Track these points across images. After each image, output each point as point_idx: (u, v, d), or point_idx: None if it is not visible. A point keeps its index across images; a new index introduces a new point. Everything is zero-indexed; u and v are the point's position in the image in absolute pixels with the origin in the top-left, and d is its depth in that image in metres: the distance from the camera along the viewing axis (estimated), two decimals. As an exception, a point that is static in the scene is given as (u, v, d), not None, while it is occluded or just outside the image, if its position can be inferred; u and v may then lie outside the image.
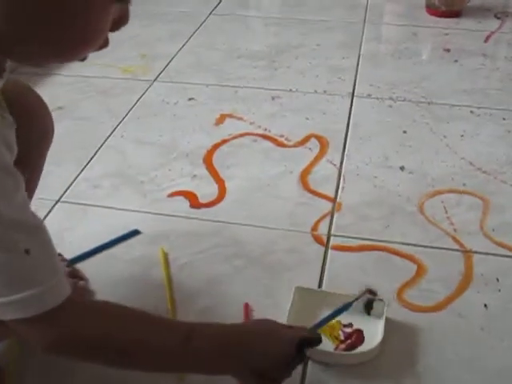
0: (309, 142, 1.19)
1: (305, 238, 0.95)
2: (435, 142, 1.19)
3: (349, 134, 1.22)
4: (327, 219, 0.99)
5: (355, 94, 1.36)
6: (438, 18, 1.75)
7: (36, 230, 0.51)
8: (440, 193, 1.04)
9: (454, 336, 0.79)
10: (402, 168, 1.11)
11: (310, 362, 0.75)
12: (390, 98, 1.34)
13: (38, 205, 0.97)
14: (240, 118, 1.27)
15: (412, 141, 1.19)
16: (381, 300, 0.80)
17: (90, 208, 1.03)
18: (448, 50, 1.57)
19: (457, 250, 0.92)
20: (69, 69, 1.43)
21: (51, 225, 0.95)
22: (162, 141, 1.21)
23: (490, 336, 0.79)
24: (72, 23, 0.46)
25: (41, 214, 0.98)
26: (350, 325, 0.79)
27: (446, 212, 1.00)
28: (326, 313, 0.78)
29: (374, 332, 0.78)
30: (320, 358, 0.75)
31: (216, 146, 1.18)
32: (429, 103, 1.32)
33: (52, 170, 1.05)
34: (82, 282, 0.85)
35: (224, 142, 1.20)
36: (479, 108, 1.30)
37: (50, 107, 0.78)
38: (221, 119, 1.27)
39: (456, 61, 1.51)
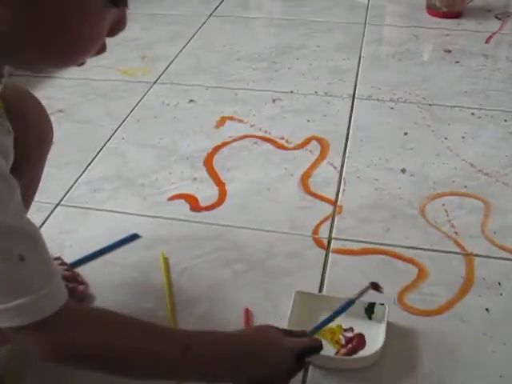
0: (309, 145, 1.19)
1: (305, 242, 0.94)
2: (436, 144, 1.18)
3: (350, 136, 1.21)
4: (328, 222, 0.98)
5: (356, 95, 1.36)
6: (439, 19, 1.75)
7: (31, 237, 0.51)
8: (441, 195, 1.04)
9: (456, 340, 0.78)
10: (403, 170, 1.11)
11: (310, 367, 0.74)
12: (391, 100, 1.34)
13: (38, 208, 0.98)
14: (240, 121, 1.27)
15: (413, 143, 1.19)
16: (382, 304, 0.79)
17: (90, 211, 1.02)
18: (449, 51, 1.56)
19: (458, 254, 0.92)
20: (69, 71, 1.43)
21: (51, 228, 0.98)
22: (162, 143, 1.20)
23: (492, 340, 0.78)
24: (69, 29, 0.46)
25: (41, 218, 0.99)
26: (351, 329, 0.79)
27: (448, 215, 1.00)
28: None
29: (375, 336, 0.77)
30: (321, 362, 0.74)
31: (216, 149, 1.18)
32: (430, 105, 1.32)
33: (52, 173, 1.05)
34: (81, 287, 0.85)
35: (224, 144, 1.19)
36: (480, 109, 1.30)
37: (50, 110, 0.78)
38: (221, 122, 1.27)
39: (457, 62, 1.51)
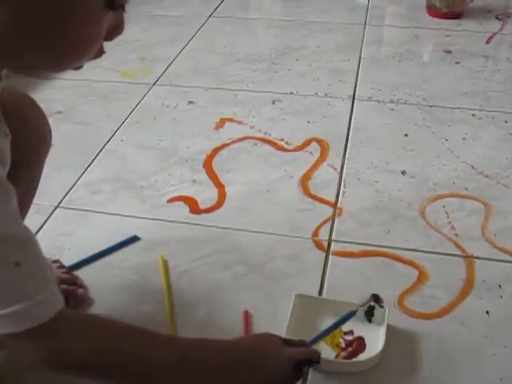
0: (309, 146, 1.18)
1: (305, 244, 0.94)
2: (437, 145, 1.18)
3: (350, 137, 1.21)
4: (328, 225, 0.98)
5: (356, 96, 1.36)
6: (439, 20, 1.75)
7: (27, 243, 0.51)
8: (441, 197, 1.04)
9: (456, 343, 0.78)
10: (403, 172, 1.10)
11: (310, 370, 0.74)
12: (391, 101, 1.33)
13: (37, 210, 0.98)
14: (240, 122, 1.27)
15: (413, 144, 1.18)
16: (382, 307, 0.79)
17: (90, 214, 1.02)
18: (449, 52, 1.56)
19: (458, 256, 0.92)
20: (68, 73, 1.42)
21: (50, 230, 0.98)
22: (161, 145, 1.20)
23: (493, 343, 0.78)
24: (69, 29, 0.46)
25: (40, 220, 0.99)
26: (351, 332, 0.79)
27: (448, 217, 0.99)
28: (327, 320, 0.78)
29: (375, 339, 0.77)
30: (321, 366, 0.74)
31: (216, 151, 1.18)
32: (430, 106, 1.31)
33: (51, 175, 1.05)
34: (81, 290, 0.85)
35: (224, 146, 1.19)
36: (481, 111, 1.29)
37: (49, 111, 0.78)
38: (221, 123, 1.26)
39: (457, 63, 1.51)
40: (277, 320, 0.80)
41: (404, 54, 1.55)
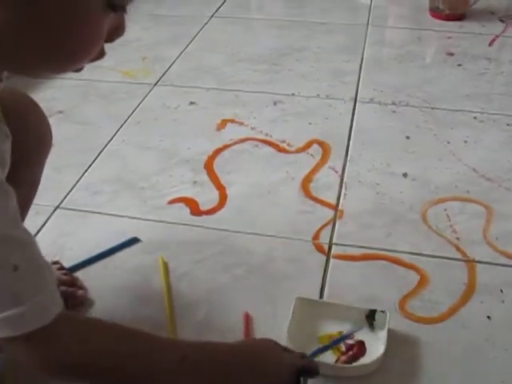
0: (311, 148, 1.18)
1: (306, 247, 0.94)
2: (438, 148, 1.18)
3: (351, 139, 1.21)
4: (329, 227, 0.97)
5: (358, 98, 1.35)
6: (442, 22, 1.74)
7: (26, 245, 0.50)
8: (443, 200, 1.03)
9: (457, 347, 0.78)
10: (404, 175, 1.10)
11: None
12: (393, 103, 1.33)
13: (38, 211, 0.97)
14: (241, 123, 1.26)
15: (415, 147, 1.18)
16: (383, 311, 0.79)
17: (90, 214, 1.02)
18: (451, 54, 1.56)
19: (460, 260, 0.91)
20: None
21: (50, 231, 0.97)
22: (162, 146, 1.20)
23: (494, 347, 0.78)
24: (67, 34, 0.46)
25: (40, 220, 0.99)
26: (352, 336, 0.78)
27: (449, 220, 0.99)
28: (327, 323, 0.79)
29: (376, 343, 0.77)
30: (321, 370, 0.73)
31: (217, 152, 1.17)
32: (432, 108, 1.31)
33: (52, 175, 1.04)
34: (80, 291, 0.84)
35: (225, 147, 1.19)
36: (483, 113, 1.29)
37: (50, 111, 0.78)
38: (222, 124, 1.26)
39: (459, 65, 1.50)
40: (277, 323, 0.79)
41: (406, 56, 1.55)
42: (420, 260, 0.91)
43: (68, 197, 1.06)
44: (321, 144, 1.19)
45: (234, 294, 0.86)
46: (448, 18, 1.74)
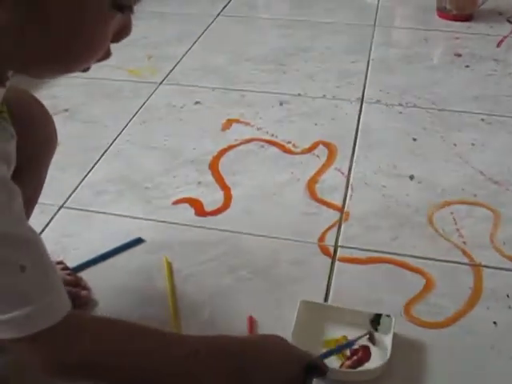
0: (317, 149, 1.17)
1: (311, 249, 0.93)
2: (445, 150, 1.17)
3: (357, 140, 1.20)
4: (334, 229, 0.97)
5: (364, 99, 1.34)
6: (449, 22, 1.73)
7: (31, 244, 0.50)
8: (450, 204, 1.02)
9: (463, 353, 0.77)
10: (411, 177, 1.09)
11: (314, 380, 0.73)
12: (400, 104, 1.32)
13: (42, 210, 0.97)
14: (247, 123, 1.26)
15: (422, 149, 1.17)
16: (388, 316, 0.78)
17: (94, 214, 1.01)
18: (459, 55, 1.54)
19: (466, 264, 0.90)
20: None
21: (54, 231, 0.97)
22: (167, 146, 1.19)
23: (500, 354, 0.77)
24: (74, 34, 0.46)
25: (44, 220, 0.98)
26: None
27: (456, 224, 0.98)
28: (331, 327, 0.79)
29: (380, 348, 0.76)
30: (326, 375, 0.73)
31: (222, 152, 1.17)
32: (439, 110, 1.30)
33: (56, 174, 1.03)
34: (84, 292, 0.84)
35: (230, 147, 1.18)
36: (490, 115, 1.28)
37: (56, 109, 0.77)
38: (227, 124, 1.25)
39: (467, 66, 1.49)
40: (281, 325, 0.78)
41: (413, 57, 1.54)
42: (426, 264, 0.90)
43: (72, 196, 1.05)
44: (327, 145, 1.18)
45: (238, 296, 0.85)
46: (455, 19, 1.73)
